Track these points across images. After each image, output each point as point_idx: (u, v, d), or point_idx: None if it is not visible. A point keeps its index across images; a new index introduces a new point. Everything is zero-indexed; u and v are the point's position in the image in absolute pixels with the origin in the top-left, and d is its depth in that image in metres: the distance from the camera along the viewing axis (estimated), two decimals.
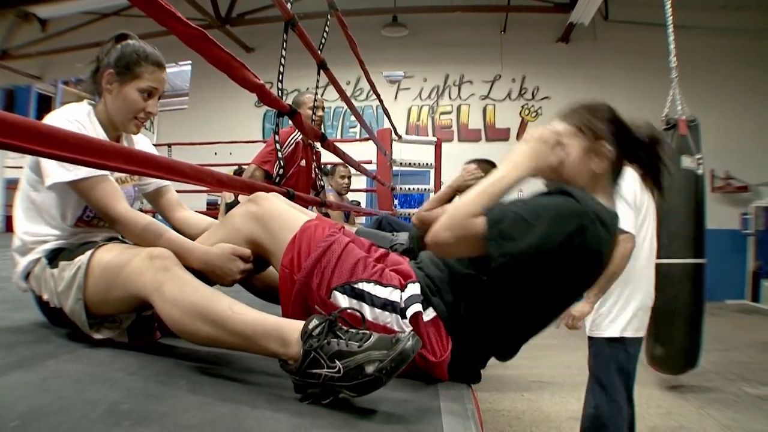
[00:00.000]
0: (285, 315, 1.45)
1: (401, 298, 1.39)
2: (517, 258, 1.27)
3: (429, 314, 1.38)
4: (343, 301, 1.40)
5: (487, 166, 3.33)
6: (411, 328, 1.35)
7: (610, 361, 2.78)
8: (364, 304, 1.39)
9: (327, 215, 5.01)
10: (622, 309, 2.81)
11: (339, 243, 1.50)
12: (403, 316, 1.37)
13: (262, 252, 1.59)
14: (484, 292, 1.39)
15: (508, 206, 1.34)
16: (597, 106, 1.55)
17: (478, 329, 1.41)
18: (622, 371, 2.77)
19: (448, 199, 3.18)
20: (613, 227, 1.41)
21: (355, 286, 1.41)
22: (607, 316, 2.82)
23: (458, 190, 3.19)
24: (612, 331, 2.79)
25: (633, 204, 2.77)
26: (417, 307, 1.37)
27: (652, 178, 1.56)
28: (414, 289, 1.41)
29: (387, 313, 1.38)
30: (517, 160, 1.44)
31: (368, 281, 1.42)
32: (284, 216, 1.57)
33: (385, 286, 1.41)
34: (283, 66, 2.32)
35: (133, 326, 1.58)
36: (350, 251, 1.50)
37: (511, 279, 1.36)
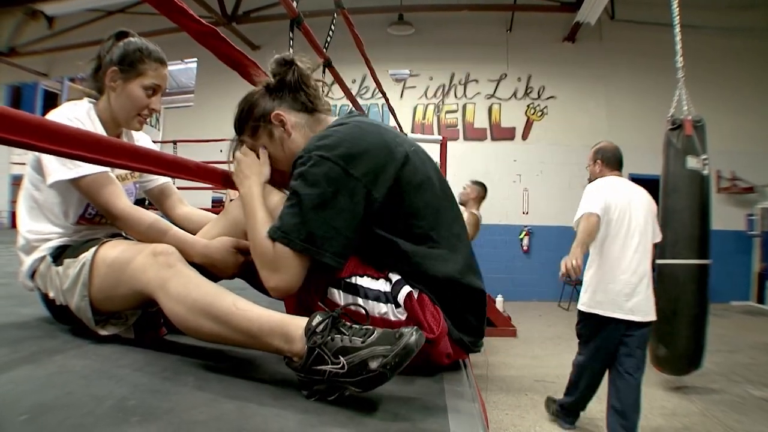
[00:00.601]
0: (288, 311, 1.45)
1: (390, 288, 1.40)
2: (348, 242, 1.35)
3: (415, 294, 1.39)
4: (338, 296, 1.40)
5: (480, 188, 4.70)
6: (407, 314, 1.35)
7: (582, 329, 3.47)
8: (358, 297, 1.39)
9: None
10: (584, 287, 3.44)
11: None
12: (396, 305, 1.37)
13: None
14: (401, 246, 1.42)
15: (284, 218, 1.36)
16: (238, 117, 1.67)
17: (436, 276, 1.42)
18: (580, 337, 3.48)
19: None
20: (341, 135, 1.42)
21: (348, 280, 1.41)
22: (583, 292, 3.45)
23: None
24: (584, 303, 3.40)
25: (604, 204, 3.31)
26: (407, 288, 1.38)
27: (307, 85, 1.59)
28: (395, 275, 1.41)
29: (382, 303, 1.38)
30: (248, 186, 1.53)
31: (361, 275, 1.42)
32: (281, 203, 1.58)
33: (377, 279, 1.41)
34: None
35: (139, 322, 1.58)
36: None
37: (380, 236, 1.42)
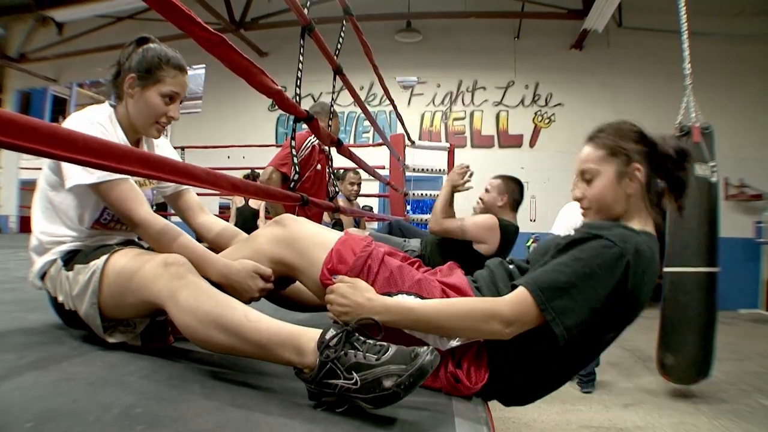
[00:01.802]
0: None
1: None
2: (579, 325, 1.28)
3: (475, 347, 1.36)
4: None
5: (511, 182, 3.63)
6: (450, 347, 1.34)
7: None
8: None
9: (340, 221, 5.02)
10: None
11: (376, 253, 1.52)
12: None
13: (290, 271, 1.59)
14: (539, 339, 1.35)
15: (550, 273, 1.31)
16: (623, 126, 1.54)
17: (519, 367, 1.39)
18: None
19: (451, 199, 3.45)
20: (654, 251, 1.38)
21: (394, 297, 1.40)
22: None
23: (455, 187, 3.44)
24: None
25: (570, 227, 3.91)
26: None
27: (678, 191, 1.53)
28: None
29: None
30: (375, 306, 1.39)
31: (408, 293, 1.41)
32: (313, 235, 1.58)
33: (424, 299, 1.40)
34: (301, 72, 2.32)
35: (147, 331, 1.58)
36: (387, 262, 1.51)
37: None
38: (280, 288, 1.68)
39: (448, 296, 1.43)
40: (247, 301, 1.56)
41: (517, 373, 1.40)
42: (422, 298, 1.40)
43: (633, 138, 1.50)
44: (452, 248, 3.27)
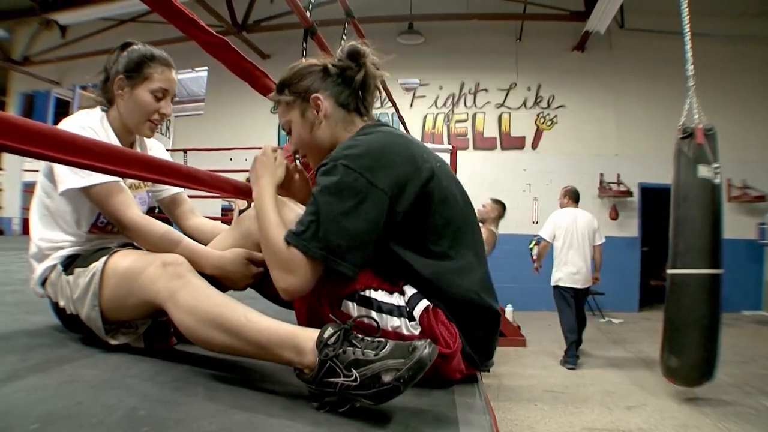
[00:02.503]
0: (299, 323, 1.45)
1: (405, 302, 1.39)
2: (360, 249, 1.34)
3: (431, 308, 1.38)
4: (353, 309, 1.39)
5: (499, 206, 6.03)
6: (420, 328, 1.34)
7: (554, 296, 5.99)
8: (372, 311, 1.38)
9: None
10: (554, 272, 6.00)
11: None
12: (411, 319, 1.36)
13: None
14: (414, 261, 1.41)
15: (304, 223, 1.35)
16: (285, 78, 1.61)
17: (453, 293, 1.41)
18: (563, 300, 5.86)
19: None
20: (367, 138, 1.44)
21: (362, 293, 1.40)
22: (552, 275, 5.99)
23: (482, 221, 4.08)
24: (552, 281, 5.98)
25: (552, 231, 6.04)
26: (424, 302, 1.37)
27: (366, 89, 1.61)
28: (410, 289, 1.40)
29: (395, 317, 1.37)
30: (261, 185, 1.51)
31: (376, 289, 1.41)
32: (294, 213, 1.57)
33: (391, 292, 1.41)
34: None
35: (149, 332, 1.58)
36: None
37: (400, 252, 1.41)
38: None
39: (400, 286, 1.45)
40: (244, 288, 1.61)
41: (462, 303, 1.42)
42: (388, 292, 1.41)
43: (300, 77, 1.58)
44: None
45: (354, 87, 1.57)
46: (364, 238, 1.33)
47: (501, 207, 6.03)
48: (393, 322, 1.36)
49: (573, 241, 5.85)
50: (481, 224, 3.81)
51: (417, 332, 1.34)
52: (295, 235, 1.32)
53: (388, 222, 1.36)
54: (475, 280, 1.46)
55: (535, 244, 9.43)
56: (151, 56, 1.72)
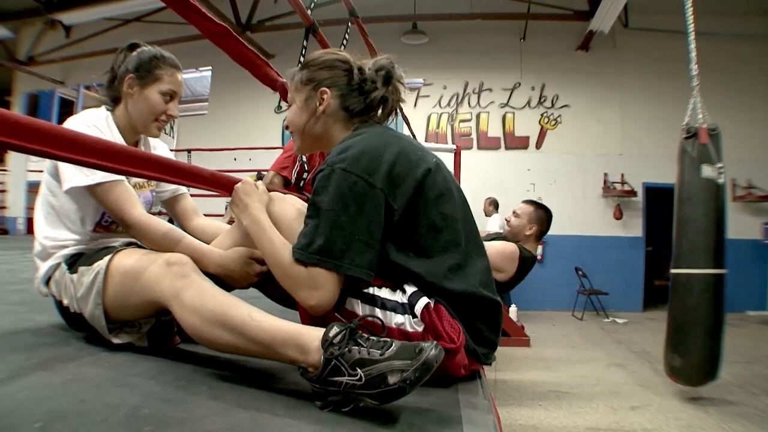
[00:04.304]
0: (304, 323, 1.45)
1: (407, 298, 1.38)
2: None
3: (432, 304, 1.37)
4: (357, 306, 1.39)
5: (542, 212, 3.66)
6: (424, 325, 1.34)
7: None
8: (376, 308, 1.38)
9: None
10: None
11: None
12: (414, 315, 1.36)
13: None
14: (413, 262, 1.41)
15: (310, 236, 1.34)
16: (313, 59, 1.62)
17: (453, 289, 1.40)
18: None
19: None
20: (363, 144, 1.42)
21: (366, 291, 1.40)
22: None
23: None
24: None
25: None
26: (424, 299, 1.36)
27: (388, 106, 1.62)
28: (411, 287, 1.40)
29: (399, 314, 1.36)
30: (251, 213, 1.49)
31: (379, 286, 1.41)
32: (296, 210, 1.57)
33: (394, 290, 1.40)
34: None
35: (153, 331, 1.59)
36: None
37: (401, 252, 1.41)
38: None
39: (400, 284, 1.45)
40: (247, 286, 1.62)
41: (462, 298, 1.42)
42: (392, 289, 1.41)
43: (322, 65, 1.59)
44: None
45: (368, 101, 1.58)
46: (372, 240, 1.33)
47: (545, 216, 3.68)
48: (397, 318, 1.36)
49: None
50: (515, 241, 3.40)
51: (420, 329, 1.34)
52: (308, 252, 1.31)
53: (387, 219, 1.36)
54: (474, 275, 1.46)
55: (539, 244, 9.45)
56: (162, 57, 1.75)
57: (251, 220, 1.47)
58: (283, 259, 1.36)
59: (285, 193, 1.77)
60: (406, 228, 1.40)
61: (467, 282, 1.43)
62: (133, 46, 1.77)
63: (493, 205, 8.57)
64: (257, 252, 1.59)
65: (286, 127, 1.67)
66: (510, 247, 3.31)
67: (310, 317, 1.43)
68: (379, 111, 1.62)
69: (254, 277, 1.61)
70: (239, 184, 1.55)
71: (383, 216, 1.35)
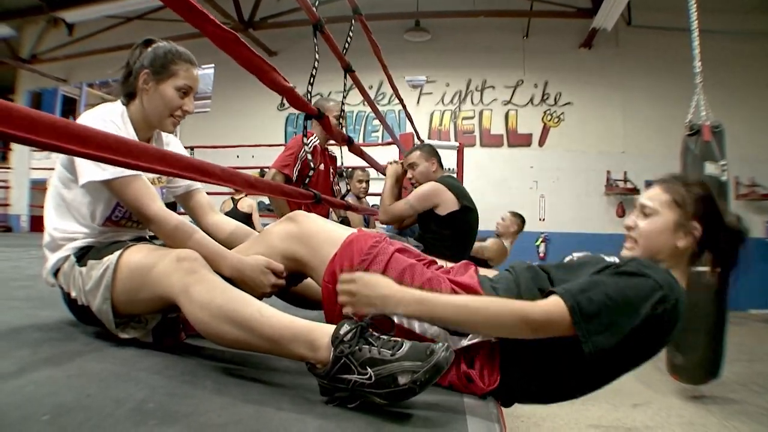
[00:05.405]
0: (329, 320, 1.45)
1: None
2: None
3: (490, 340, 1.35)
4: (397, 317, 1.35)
5: (519, 220, 5.19)
6: (461, 346, 1.34)
7: None
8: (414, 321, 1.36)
9: (347, 219, 5.04)
10: None
11: (384, 253, 1.50)
12: (453, 333, 1.34)
13: (301, 267, 1.60)
14: (557, 351, 1.34)
15: (593, 291, 1.29)
16: (695, 183, 1.56)
17: (532, 375, 1.37)
18: None
19: (398, 190, 3.73)
20: (683, 306, 1.38)
21: None
22: None
23: (398, 180, 3.67)
24: None
25: None
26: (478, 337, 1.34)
27: (724, 269, 1.57)
28: None
29: (436, 327, 1.36)
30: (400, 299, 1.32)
31: (422, 288, 1.39)
32: (325, 231, 1.58)
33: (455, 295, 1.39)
34: (316, 69, 2.32)
35: (159, 328, 1.59)
36: (396, 260, 1.51)
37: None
38: (292, 284, 1.69)
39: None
40: (259, 296, 1.57)
41: (528, 381, 1.38)
42: None
43: (699, 196, 1.52)
44: (432, 230, 3.47)
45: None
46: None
47: (521, 221, 5.56)
48: (434, 332, 1.36)
49: None
50: (497, 237, 3.86)
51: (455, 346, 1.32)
52: (587, 315, 1.26)
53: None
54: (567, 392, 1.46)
55: (542, 241, 9.44)
56: (178, 53, 1.75)
57: (410, 308, 1.31)
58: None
59: (309, 211, 1.77)
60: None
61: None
62: (148, 42, 1.77)
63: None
64: (276, 264, 1.58)
65: (629, 228, 1.59)
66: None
67: (338, 318, 1.40)
68: None
69: (268, 287, 1.57)
70: (350, 287, 1.36)
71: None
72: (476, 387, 1.32)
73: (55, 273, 1.70)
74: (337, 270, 1.47)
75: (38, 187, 10.72)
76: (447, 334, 1.35)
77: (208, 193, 2.03)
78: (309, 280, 1.70)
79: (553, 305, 1.27)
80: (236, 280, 1.54)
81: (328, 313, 1.50)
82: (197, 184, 2.00)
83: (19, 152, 11.62)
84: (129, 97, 1.78)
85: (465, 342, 1.34)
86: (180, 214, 1.88)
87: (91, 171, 1.57)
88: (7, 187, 11.83)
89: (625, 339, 1.25)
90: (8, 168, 11.99)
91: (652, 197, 1.54)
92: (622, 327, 1.25)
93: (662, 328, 1.30)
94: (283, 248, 1.59)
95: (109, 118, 1.66)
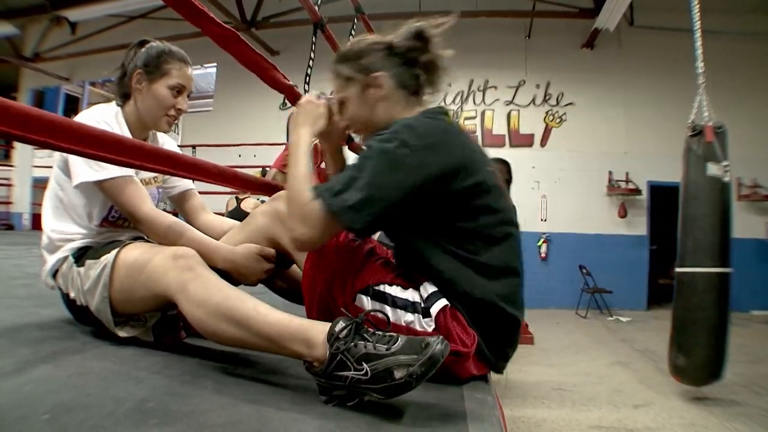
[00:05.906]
0: (309, 316, 1.45)
1: (421, 298, 1.38)
2: (383, 213, 1.31)
3: (448, 307, 1.37)
4: (367, 303, 1.39)
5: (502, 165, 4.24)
6: (434, 326, 1.34)
7: None
8: (386, 306, 1.38)
9: None
10: None
11: (361, 248, 1.51)
12: (425, 315, 1.36)
13: (284, 251, 1.62)
14: (442, 255, 1.39)
15: (342, 183, 1.32)
16: (347, 52, 1.61)
17: (474, 295, 1.38)
18: None
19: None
20: (429, 119, 1.44)
21: (377, 288, 1.40)
22: None
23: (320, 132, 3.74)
24: None
25: None
26: (442, 302, 1.36)
27: (429, 73, 1.60)
28: (430, 287, 1.40)
29: (409, 313, 1.37)
30: (300, 133, 1.53)
31: (390, 284, 1.41)
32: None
33: (406, 288, 1.41)
34: (311, 68, 2.33)
35: (159, 326, 1.59)
36: (372, 255, 1.52)
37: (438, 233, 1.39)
38: (284, 267, 1.72)
39: (417, 282, 1.43)
40: (255, 283, 1.63)
41: (484, 307, 1.40)
42: (403, 287, 1.41)
43: (360, 55, 1.57)
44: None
45: (417, 68, 1.56)
46: (387, 199, 1.31)
47: (505, 167, 4.95)
48: (407, 317, 1.37)
49: None
50: None
51: (430, 329, 1.34)
52: (329, 193, 1.30)
53: (430, 207, 1.36)
54: (501, 287, 1.42)
55: (543, 242, 9.44)
56: (170, 52, 1.76)
57: (295, 140, 1.52)
58: (298, 186, 1.39)
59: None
60: (443, 224, 1.40)
61: (490, 291, 1.40)
62: (142, 43, 1.78)
63: None
64: (267, 249, 1.61)
65: (347, 128, 1.66)
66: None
67: (316, 312, 1.44)
68: (431, 75, 1.61)
69: (263, 273, 1.62)
70: (304, 100, 1.59)
71: (414, 193, 1.34)
72: (464, 353, 1.33)
73: (54, 274, 1.70)
74: (316, 261, 1.48)
75: (40, 185, 10.75)
76: (421, 318, 1.36)
77: (210, 192, 2.04)
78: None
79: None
80: (230, 271, 1.56)
81: (307, 302, 1.50)
82: (192, 186, 2.02)
83: (21, 150, 11.65)
84: (124, 98, 1.79)
85: (434, 311, 1.36)
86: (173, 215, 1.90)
87: (84, 172, 1.58)
88: (9, 185, 11.86)
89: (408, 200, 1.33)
90: (11, 166, 12.02)
91: (336, 92, 1.64)
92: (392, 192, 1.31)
93: (427, 162, 1.34)
94: (268, 230, 1.62)
95: (102, 119, 1.67)
